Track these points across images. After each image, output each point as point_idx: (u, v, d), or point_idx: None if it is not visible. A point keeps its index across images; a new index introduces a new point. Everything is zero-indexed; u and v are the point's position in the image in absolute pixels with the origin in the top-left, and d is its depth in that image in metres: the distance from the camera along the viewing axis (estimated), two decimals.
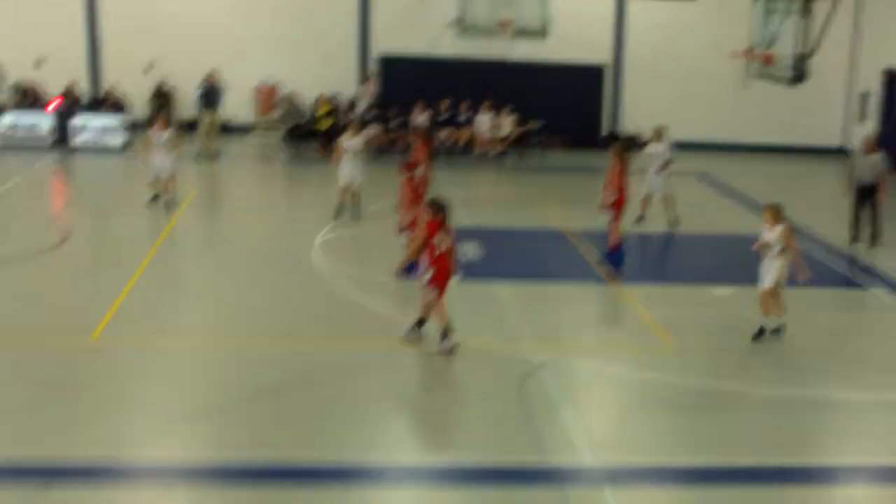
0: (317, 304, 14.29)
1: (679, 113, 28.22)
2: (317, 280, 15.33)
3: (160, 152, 19.73)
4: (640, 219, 19.95)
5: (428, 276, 12.40)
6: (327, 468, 9.35)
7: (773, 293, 13.23)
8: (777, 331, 13.41)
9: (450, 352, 12.34)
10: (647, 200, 20.06)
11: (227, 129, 27.77)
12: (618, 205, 17.07)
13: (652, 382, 11.89)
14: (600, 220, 17.79)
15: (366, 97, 28.48)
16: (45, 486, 8.78)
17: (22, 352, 11.94)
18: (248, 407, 10.68)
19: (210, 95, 26.19)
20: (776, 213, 13.13)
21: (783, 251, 13.05)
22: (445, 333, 12.38)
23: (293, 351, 12.29)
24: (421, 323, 12.64)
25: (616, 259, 17.06)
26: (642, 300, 15.11)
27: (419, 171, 16.02)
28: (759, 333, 13.35)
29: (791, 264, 13.10)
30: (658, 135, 20.15)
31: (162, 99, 28.43)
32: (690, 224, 20.00)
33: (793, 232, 13.24)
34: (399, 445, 10.08)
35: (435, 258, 12.33)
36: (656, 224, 19.90)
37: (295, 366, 11.82)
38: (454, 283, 12.82)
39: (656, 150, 20.01)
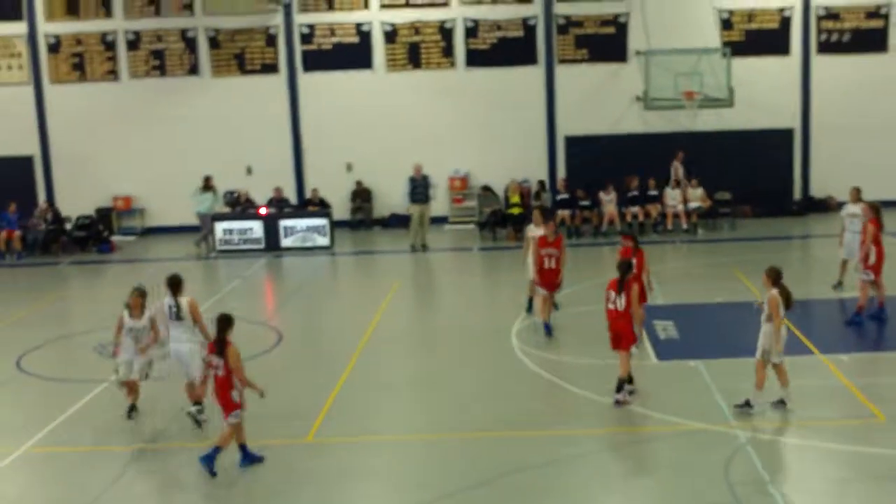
0: (523, 391, 14.78)
1: (873, 170, 27.70)
2: (520, 367, 15.86)
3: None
4: (839, 285, 19.70)
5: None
6: None
7: None
8: None
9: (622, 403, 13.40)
10: (844, 265, 19.79)
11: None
12: (877, 265, 17.40)
13: (864, 455, 11.82)
14: (800, 289, 17.67)
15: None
16: None
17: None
18: (464, 500, 11.12)
19: (417, 189, 27.25)
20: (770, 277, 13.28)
21: None
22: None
23: (504, 440, 12.80)
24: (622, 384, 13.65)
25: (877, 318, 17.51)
26: (844, 369, 14.98)
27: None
28: None
29: None
30: (855, 195, 19.83)
31: (362, 197, 29.88)
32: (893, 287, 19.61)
33: None
34: None
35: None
36: (853, 289, 19.60)
37: (508, 455, 12.23)
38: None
39: (853, 211, 19.69)
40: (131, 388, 14.18)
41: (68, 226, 29.19)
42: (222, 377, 12.14)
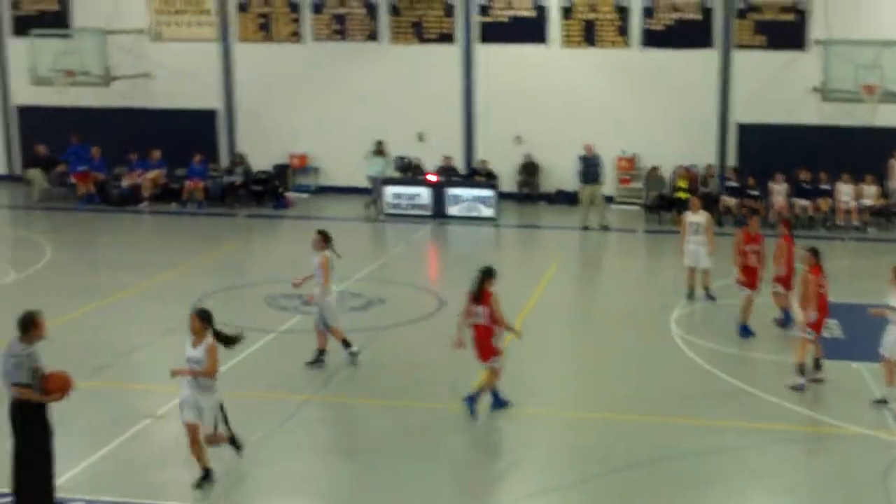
0: (678, 378, 14.95)
1: None
2: (677, 353, 16.00)
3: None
4: None
5: (812, 318, 13.68)
6: None
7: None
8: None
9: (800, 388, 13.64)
10: None
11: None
12: None
13: None
14: None
15: None
16: None
17: (403, 413, 13.42)
18: (604, 482, 11.37)
19: (587, 169, 27.35)
20: None
21: None
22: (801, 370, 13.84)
23: (658, 425, 13.02)
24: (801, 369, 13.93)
25: None
26: None
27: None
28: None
29: None
30: None
31: (529, 171, 30.20)
32: None
33: None
34: None
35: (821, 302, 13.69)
36: None
37: (661, 441, 12.47)
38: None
39: None
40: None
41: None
42: (483, 325, 13.05)
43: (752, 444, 12.40)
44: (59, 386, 10.29)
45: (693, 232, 19.19)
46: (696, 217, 19.33)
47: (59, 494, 10.55)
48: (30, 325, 10.22)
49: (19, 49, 31.30)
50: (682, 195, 27.85)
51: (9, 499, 10.44)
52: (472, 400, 13.04)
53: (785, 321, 17.27)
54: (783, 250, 17.25)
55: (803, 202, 27.53)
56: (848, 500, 11.02)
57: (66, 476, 11.07)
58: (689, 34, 29.72)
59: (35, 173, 30.22)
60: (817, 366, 14.53)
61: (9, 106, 33.19)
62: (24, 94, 32.00)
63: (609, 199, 29.30)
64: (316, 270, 14.90)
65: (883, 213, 27.57)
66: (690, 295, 19.21)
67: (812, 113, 28.90)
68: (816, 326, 14.28)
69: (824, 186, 27.69)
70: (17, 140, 33.26)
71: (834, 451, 12.36)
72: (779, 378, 15.00)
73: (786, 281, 17.24)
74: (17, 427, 10.26)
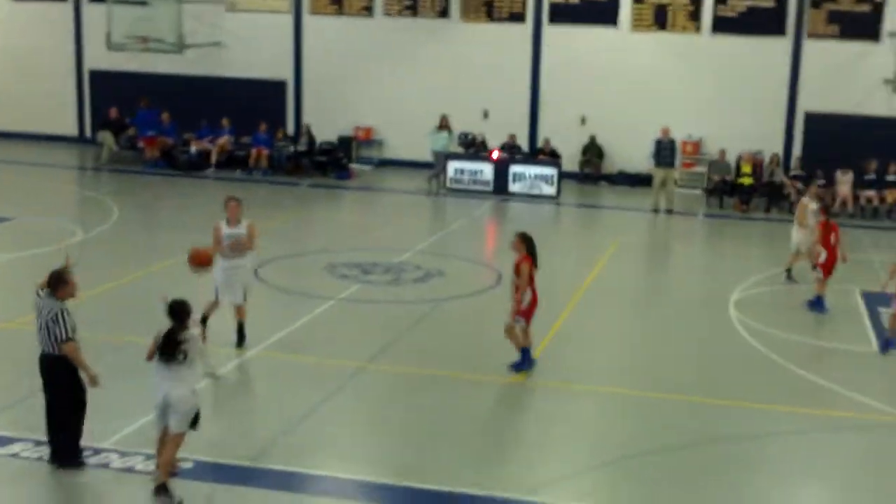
0: (736, 362, 14.92)
1: None
2: (735, 337, 15.98)
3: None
4: None
5: None
6: None
7: None
8: None
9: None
10: None
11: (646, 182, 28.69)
12: None
13: None
14: None
15: None
16: None
17: (455, 384, 13.55)
18: (652, 460, 11.41)
19: (662, 151, 27.24)
20: None
21: None
22: None
23: (712, 407, 13.04)
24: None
25: None
26: None
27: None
28: None
29: None
30: None
31: (593, 151, 30.17)
32: None
33: None
34: None
35: None
36: None
37: (714, 422, 12.48)
38: None
39: None
40: None
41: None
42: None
43: (804, 430, 12.39)
44: (203, 259, 12.91)
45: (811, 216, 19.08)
46: (814, 205, 19.19)
47: (113, 447, 10.90)
48: (58, 283, 10.32)
49: (95, 14, 31.92)
50: (745, 181, 27.71)
51: (44, 447, 10.80)
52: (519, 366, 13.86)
53: (815, 305, 17.43)
54: (825, 236, 17.25)
55: (869, 193, 27.24)
56: (892, 491, 10.99)
57: (123, 432, 11.38)
58: (761, 21, 29.45)
59: (106, 135, 30.81)
60: None
61: (83, 70, 33.85)
62: (98, 58, 32.63)
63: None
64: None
65: None
66: (789, 275, 19.46)
67: (882, 105, 28.56)
68: None
69: (891, 178, 27.38)
70: (89, 103, 33.95)
71: (890, 441, 12.30)
72: (840, 366, 15.00)
73: (826, 267, 17.37)
74: (54, 380, 10.42)
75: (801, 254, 19.20)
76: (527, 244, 13.87)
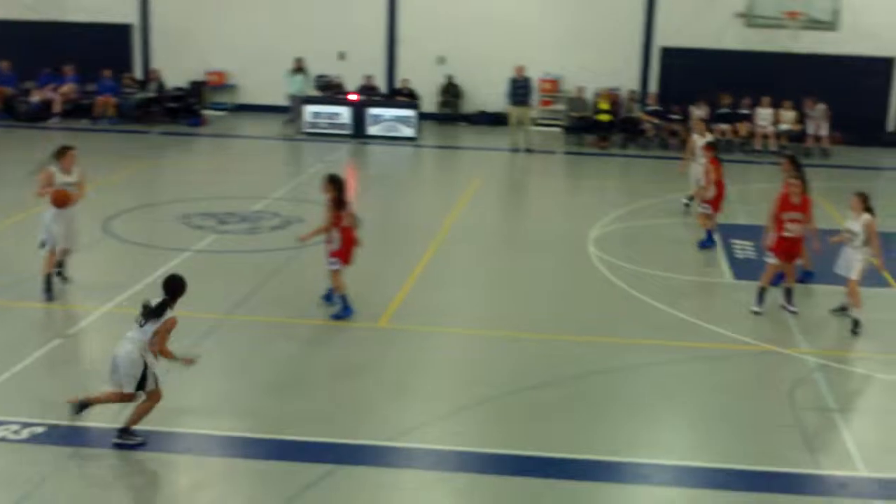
0: (595, 298, 14.95)
1: None
2: (595, 274, 15.99)
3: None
4: None
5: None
6: (586, 462, 9.88)
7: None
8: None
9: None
10: None
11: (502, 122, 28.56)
12: None
13: None
14: (887, 222, 17.37)
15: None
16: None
17: (317, 332, 13.24)
18: (531, 398, 11.40)
19: (517, 90, 27.11)
20: (862, 202, 13.35)
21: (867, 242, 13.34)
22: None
23: (574, 343, 13.01)
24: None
25: None
26: None
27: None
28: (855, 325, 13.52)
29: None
30: None
31: (451, 92, 29.89)
32: None
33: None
34: (662, 446, 10.39)
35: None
36: None
37: (576, 359, 12.42)
38: None
39: None
40: None
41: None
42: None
43: (662, 361, 12.46)
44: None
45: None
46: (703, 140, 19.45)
47: None
48: None
49: None
50: (603, 118, 27.85)
51: None
52: (328, 298, 13.88)
53: (706, 242, 17.42)
54: (711, 173, 17.41)
55: (723, 126, 27.67)
56: (753, 413, 11.13)
57: None
58: None
59: None
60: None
61: None
62: None
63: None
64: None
65: (800, 138, 27.81)
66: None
67: (735, 39, 28.99)
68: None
69: (744, 111, 27.88)
70: None
71: (743, 368, 12.47)
72: (696, 298, 15.17)
73: (715, 203, 17.46)
74: None
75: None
76: (335, 185, 13.47)
